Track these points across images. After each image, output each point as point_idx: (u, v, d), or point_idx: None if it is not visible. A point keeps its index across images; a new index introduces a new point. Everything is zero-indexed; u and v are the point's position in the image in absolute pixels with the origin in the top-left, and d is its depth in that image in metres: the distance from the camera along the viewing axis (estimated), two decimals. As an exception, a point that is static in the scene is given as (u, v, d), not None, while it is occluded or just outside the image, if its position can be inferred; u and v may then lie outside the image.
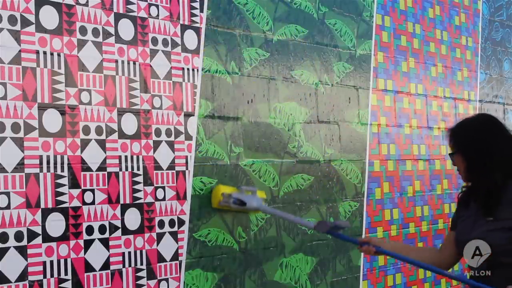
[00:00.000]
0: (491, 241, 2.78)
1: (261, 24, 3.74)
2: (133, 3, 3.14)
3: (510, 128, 5.67)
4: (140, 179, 3.10)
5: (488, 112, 4.78)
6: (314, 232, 3.93)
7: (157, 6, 3.23)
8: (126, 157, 3.05)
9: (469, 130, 2.95)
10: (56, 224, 2.79)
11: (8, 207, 2.65)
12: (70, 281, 2.82)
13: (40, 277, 2.73)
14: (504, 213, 2.80)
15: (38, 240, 2.73)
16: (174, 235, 3.22)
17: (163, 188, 3.18)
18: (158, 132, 3.18)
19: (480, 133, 2.90)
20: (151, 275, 3.11)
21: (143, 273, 3.08)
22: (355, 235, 4.17)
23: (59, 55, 2.86)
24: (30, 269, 2.70)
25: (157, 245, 3.15)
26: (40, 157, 2.76)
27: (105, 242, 2.95)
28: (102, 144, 2.97)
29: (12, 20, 2.72)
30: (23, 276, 2.68)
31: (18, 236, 2.68)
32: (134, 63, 3.12)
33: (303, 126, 3.92)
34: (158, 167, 3.17)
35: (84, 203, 2.89)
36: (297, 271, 3.83)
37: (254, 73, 3.67)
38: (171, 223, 3.21)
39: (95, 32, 2.99)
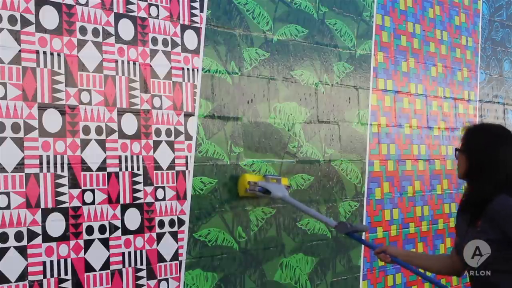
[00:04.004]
0: None
1: (261, 24, 3.74)
2: (133, 3, 3.14)
3: (510, 128, 5.69)
4: (140, 179, 3.10)
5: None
6: (314, 232, 3.93)
7: (157, 6, 3.23)
8: (126, 157, 3.05)
9: (483, 137, 2.91)
10: (56, 224, 2.79)
11: (8, 207, 2.66)
12: (70, 281, 2.82)
13: (40, 277, 2.73)
14: (484, 224, 2.80)
15: (38, 240, 2.73)
16: (174, 235, 3.22)
17: (163, 188, 3.18)
18: (158, 132, 3.18)
19: (491, 144, 2.87)
20: (151, 275, 3.11)
21: (143, 273, 3.08)
22: (355, 235, 4.18)
23: (59, 55, 2.86)
24: (30, 269, 2.70)
25: (157, 245, 3.15)
26: (40, 157, 2.76)
27: (105, 242, 2.95)
28: (102, 144, 2.97)
29: (12, 20, 2.72)
30: (23, 276, 2.68)
31: (18, 236, 2.68)
32: (134, 63, 3.12)
33: (303, 126, 3.92)
34: (158, 167, 3.17)
35: (84, 203, 2.89)
36: (297, 271, 3.83)
37: (254, 73, 3.67)
38: (171, 223, 3.21)
39: (95, 32, 2.99)
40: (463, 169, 2.91)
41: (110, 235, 2.97)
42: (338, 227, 3.46)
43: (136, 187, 3.08)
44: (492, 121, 5.48)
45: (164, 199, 3.18)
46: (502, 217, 2.75)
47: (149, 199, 3.13)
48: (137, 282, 3.05)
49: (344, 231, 3.44)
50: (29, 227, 2.71)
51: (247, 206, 3.58)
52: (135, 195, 3.07)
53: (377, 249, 3.34)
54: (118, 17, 3.08)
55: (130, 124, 3.08)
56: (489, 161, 2.83)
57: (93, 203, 2.92)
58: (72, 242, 2.84)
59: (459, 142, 3.07)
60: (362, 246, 4.19)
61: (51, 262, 2.77)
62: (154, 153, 3.16)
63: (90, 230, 2.90)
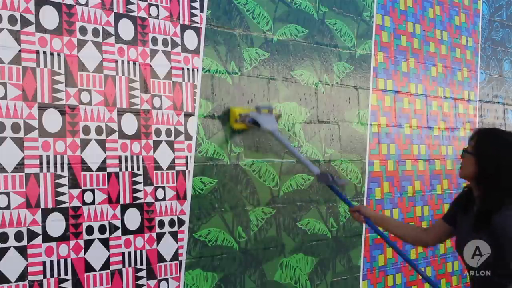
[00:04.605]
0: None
1: (261, 24, 3.74)
2: (133, 3, 3.14)
3: (510, 127, 5.68)
4: (140, 179, 3.10)
5: None
6: (314, 232, 3.93)
7: (157, 6, 3.23)
8: (126, 157, 3.05)
9: (496, 143, 2.87)
10: (56, 224, 2.79)
11: (8, 207, 2.66)
12: (70, 281, 2.82)
13: (40, 277, 2.73)
14: (488, 233, 2.79)
15: (38, 240, 2.73)
16: (174, 235, 3.22)
17: (163, 188, 3.18)
18: (158, 132, 3.18)
19: (505, 152, 2.83)
20: (151, 275, 3.11)
21: (143, 273, 3.08)
22: (356, 234, 4.18)
23: (59, 55, 2.86)
24: (30, 269, 2.70)
25: (157, 245, 3.15)
26: (40, 157, 2.76)
27: (105, 242, 2.95)
28: (102, 144, 2.97)
29: (12, 20, 2.72)
30: (23, 276, 2.68)
31: (18, 236, 2.68)
32: (134, 63, 3.12)
33: (303, 126, 3.92)
34: (158, 167, 3.17)
35: (84, 203, 2.89)
36: (297, 271, 3.83)
37: (254, 73, 3.67)
38: (171, 223, 3.21)
39: (95, 32, 2.99)
40: (469, 171, 2.88)
41: (110, 235, 2.97)
42: (320, 177, 3.48)
43: (136, 187, 3.08)
44: (492, 121, 5.48)
45: (164, 199, 3.18)
46: (505, 236, 2.75)
47: (149, 199, 3.13)
48: (137, 282, 3.05)
49: (325, 182, 3.47)
50: (29, 227, 2.71)
51: (247, 206, 3.58)
52: (135, 195, 3.07)
53: (352, 207, 3.42)
54: (118, 17, 3.08)
55: (130, 124, 3.08)
56: (505, 169, 2.81)
57: (93, 203, 2.92)
58: (72, 242, 2.84)
59: (466, 143, 3.04)
60: (362, 246, 4.19)
61: (51, 262, 2.77)
62: (154, 153, 3.16)
63: (90, 230, 2.90)
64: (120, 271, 2.99)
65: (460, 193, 3.06)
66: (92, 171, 2.93)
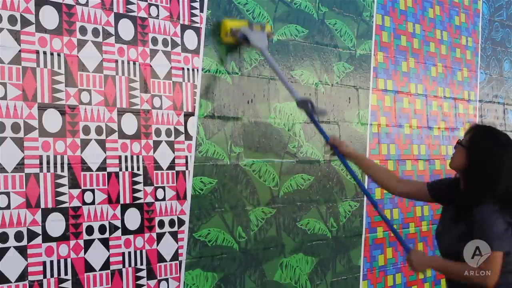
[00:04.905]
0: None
1: (261, 24, 3.73)
2: (133, 3, 3.14)
3: (510, 127, 5.68)
4: (140, 179, 3.10)
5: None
6: (314, 232, 3.93)
7: (157, 6, 3.23)
8: (126, 157, 3.05)
9: (489, 142, 2.89)
10: (56, 224, 2.79)
11: (8, 207, 2.66)
12: (70, 281, 2.82)
13: (40, 277, 2.73)
14: (466, 226, 2.83)
15: (38, 240, 2.73)
16: (174, 235, 3.22)
17: (163, 188, 3.18)
18: (158, 132, 3.18)
19: (495, 153, 2.86)
20: (151, 275, 3.11)
21: (143, 273, 3.08)
22: (356, 235, 4.18)
23: (59, 55, 2.86)
24: (30, 269, 2.70)
25: (157, 245, 3.15)
26: (40, 157, 2.76)
27: (105, 242, 2.95)
28: (102, 144, 2.97)
29: (12, 20, 2.72)
30: (23, 276, 2.68)
31: (18, 236, 2.68)
32: (134, 63, 3.12)
33: (303, 126, 3.92)
34: (158, 167, 3.17)
35: (84, 203, 2.89)
36: (297, 271, 3.83)
37: (254, 73, 3.67)
38: (171, 223, 3.21)
39: (95, 32, 2.99)
40: (459, 163, 2.95)
41: (110, 235, 2.97)
42: (300, 103, 3.42)
43: (136, 187, 3.08)
44: (492, 121, 5.48)
45: (164, 199, 3.18)
46: (478, 231, 2.78)
47: (149, 199, 3.13)
48: (137, 282, 3.05)
49: (305, 109, 3.40)
50: (29, 227, 2.71)
51: (247, 206, 3.58)
52: (135, 195, 3.07)
53: (330, 140, 3.35)
54: (118, 17, 3.08)
55: (130, 124, 3.08)
56: (492, 169, 2.84)
57: (93, 203, 2.92)
58: (72, 242, 2.84)
59: (461, 136, 3.08)
60: (362, 246, 4.19)
61: (51, 262, 2.77)
62: (154, 153, 3.16)
63: (90, 230, 2.90)
64: (120, 271, 2.99)
65: (453, 177, 3.09)
66: (92, 171, 2.93)
